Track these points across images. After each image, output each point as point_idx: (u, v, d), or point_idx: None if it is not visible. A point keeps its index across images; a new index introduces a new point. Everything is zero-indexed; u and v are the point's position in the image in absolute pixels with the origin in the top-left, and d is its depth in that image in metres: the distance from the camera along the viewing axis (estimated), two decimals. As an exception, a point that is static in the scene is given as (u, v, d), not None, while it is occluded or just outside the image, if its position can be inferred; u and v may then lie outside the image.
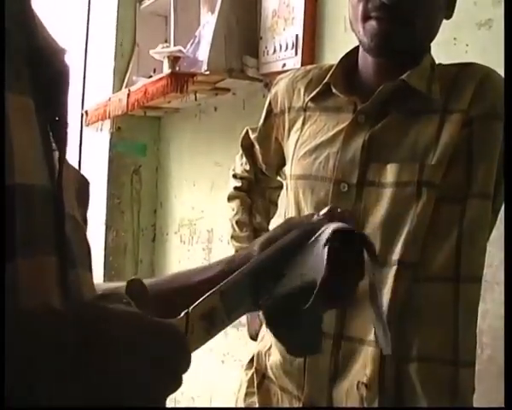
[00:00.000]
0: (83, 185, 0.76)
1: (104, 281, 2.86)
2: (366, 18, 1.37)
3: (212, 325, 0.66)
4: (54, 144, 0.64)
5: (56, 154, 0.64)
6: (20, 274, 0.55)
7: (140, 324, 0.54)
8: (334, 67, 1.50)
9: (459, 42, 2.01)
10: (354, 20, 1.41)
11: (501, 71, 1.40)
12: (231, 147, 3.04)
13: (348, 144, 1.40)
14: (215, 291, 0.67)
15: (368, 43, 1.39)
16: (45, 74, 0.63)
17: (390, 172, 1.34)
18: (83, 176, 0.78)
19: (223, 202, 3.11)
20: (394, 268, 1.32)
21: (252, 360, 1.58)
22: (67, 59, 0.68)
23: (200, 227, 3.30)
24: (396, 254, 1.32)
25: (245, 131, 1.78)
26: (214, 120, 3.21)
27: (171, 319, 0.62)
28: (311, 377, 1.41)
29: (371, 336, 1.32)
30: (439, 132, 1.33)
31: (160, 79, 2.86)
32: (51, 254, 0.60)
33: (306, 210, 1.44)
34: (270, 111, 1.65)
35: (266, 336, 1.56)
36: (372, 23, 1.36)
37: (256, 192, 1.81)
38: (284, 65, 2.63)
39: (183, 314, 0.64)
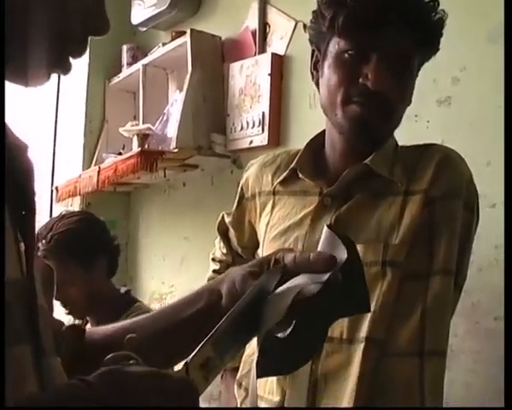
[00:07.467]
0: (48, 273, 0.80)
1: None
2: (347, 102, 1.39)
3: (208, 373, 0.72)
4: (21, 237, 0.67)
5: (22, 246, 0.67)
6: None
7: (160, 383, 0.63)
8: (300, 152, 1.54)
9: (420, 118, 2.07)
10: (330, 104, 1.42)
11: (461, 146, 1.45)
12: (200, 222, 3.08)
13: (316, 226, 1.44)
14: (206, 342, 0.73)
15: (347, 127, 1.41)
16: (11, 173, 0.66)
17: None
18: (47, 265, 0.81)
19: (192, 276, 3.13)
20: (362, 345, 1.34)
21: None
22: (31, 155, 0.72)
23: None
24: (363, 332, 1.35)
25: (221, 216, 1.82)
26: (183, 196, 3.24)
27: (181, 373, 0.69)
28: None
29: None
30: (401, 213, 1.38)
31: (130, 157, 2.89)
32: (27, 343, 0.64)
33: None
34: (242, 196, 1.69)
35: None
36: (354, 107, 1.38)
37: None
38: (251, 142, 2.69)
39: (182, 365, 0.70)
